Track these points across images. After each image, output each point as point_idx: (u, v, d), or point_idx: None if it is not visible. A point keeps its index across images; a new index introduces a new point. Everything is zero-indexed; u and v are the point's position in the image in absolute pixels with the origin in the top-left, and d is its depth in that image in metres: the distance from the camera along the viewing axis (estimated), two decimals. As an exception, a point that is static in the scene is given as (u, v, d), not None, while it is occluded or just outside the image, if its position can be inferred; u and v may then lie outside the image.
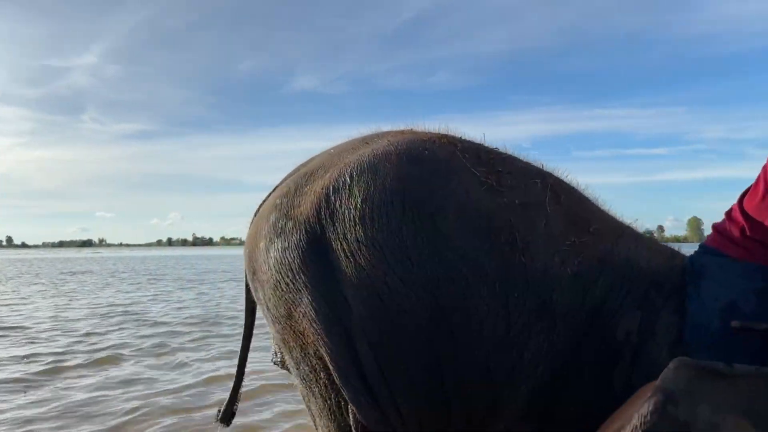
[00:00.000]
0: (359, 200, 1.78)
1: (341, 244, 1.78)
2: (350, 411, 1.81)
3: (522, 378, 1.67)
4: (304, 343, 1.88)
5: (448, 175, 1.80)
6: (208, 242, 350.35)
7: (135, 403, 4.66)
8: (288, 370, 2.33)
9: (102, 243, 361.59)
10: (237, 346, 2.71)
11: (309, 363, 1.90)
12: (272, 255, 1.93)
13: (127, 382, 5.40)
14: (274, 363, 2.40)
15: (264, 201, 2.22)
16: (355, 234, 1.75)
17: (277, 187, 2.21)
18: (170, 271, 28.49)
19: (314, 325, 1.80)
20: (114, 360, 6.44)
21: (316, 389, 1.92)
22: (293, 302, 1.87)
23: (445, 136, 2.07)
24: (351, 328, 1.73)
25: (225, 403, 2.43)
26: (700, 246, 1.80)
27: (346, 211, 1.79)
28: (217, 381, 5.42)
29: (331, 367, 1.79)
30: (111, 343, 7.48)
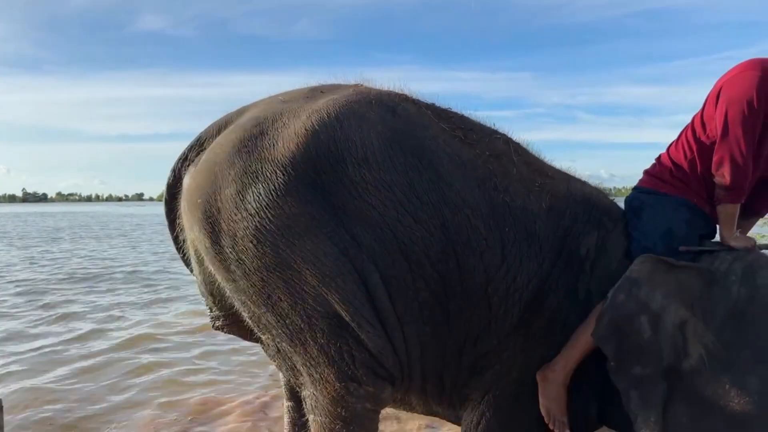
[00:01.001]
0: (357, 143, 1.89)
1: (345, 185, 1.86)
2: (352, 352, 1.86)
3: (515, 298, 1.98)
4: (299, 291, 1.83)
5: (427, 128, 2.03)
6: (42, 198, 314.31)
7: None
8: (236, 332, 2.22)
9: None
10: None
11: (303, 312, 1.84)
12: (252, 200, 1.83)
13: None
14: (216, 328, 2.27)
15: (191, 149, 2.15)
16: (361, 175, 1.87)
17: (210, 135, 2.13)
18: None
19: (320, 267, 1.81)
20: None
21: (311, 340, 1.86)
22: (289, 248, 1.81)
23: (400, 93, 2.21)
24: (362, 265, 1.86)
25: None
26: (635, 188, 2.21)
27: (346, 153, 1.88)
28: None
29: (340, 307, 1.83)
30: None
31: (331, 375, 1.89)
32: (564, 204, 2.10)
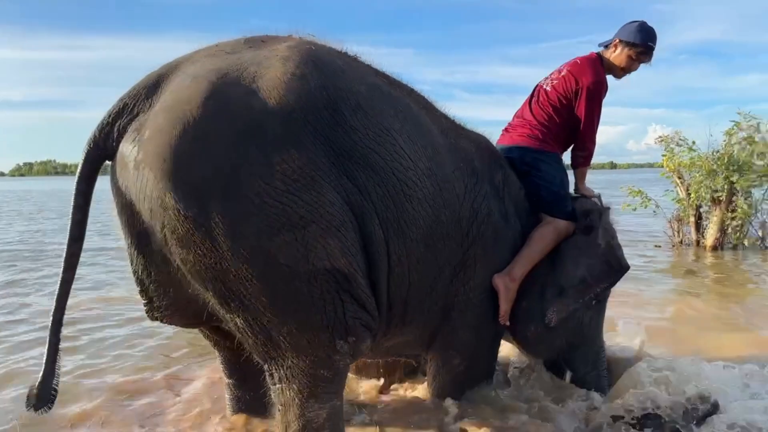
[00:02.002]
0: (346, 89, 1.93)
1: (347, 131, 1.89)
2: (345, 306, 1.87)
3: (476, 226, 2.36)
4: (302, 249, 1.76)
5: (383, 84, 2.18)
6: None
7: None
8: (176, 321, 2.08)
9: None
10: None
11: (305, 271, 1.78)
12: (251, 159, 1.69)
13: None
14: (154, 318, 2.06)
15: (119, 116, 1.85)
16: (360, 121, 1.92)
17: (139, 98, 1.86)
18: None
19: (327, 219, 1.77)
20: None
21: (307, 301, 1.82)
22: (295, 204, 1.73)
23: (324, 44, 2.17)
24: (363, 211, 1.90)
25: (39, 381, 1.87)
26: (522, 147, 2.75)
27: (339, 100, 1.89)
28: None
29: (341, 259, 1.82)
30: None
31: (323, 335, 1.87)
32: (479, 147, 2.53)
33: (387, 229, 1.98)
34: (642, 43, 2.67)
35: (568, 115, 2.70)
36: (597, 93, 2.66)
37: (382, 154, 1.96)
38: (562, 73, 2.72)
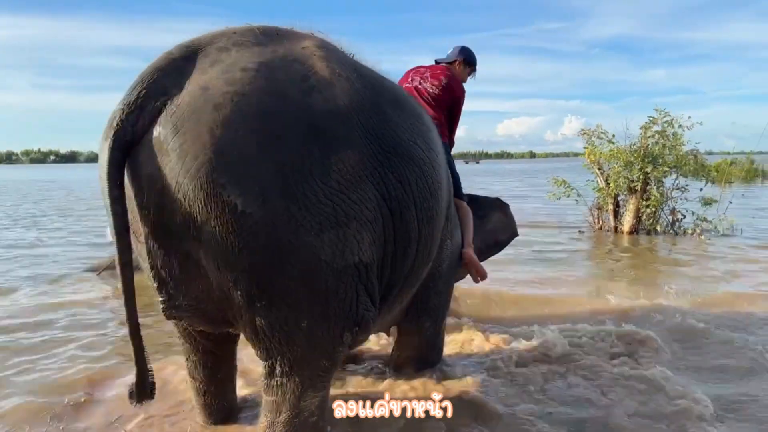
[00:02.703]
0: (382, 88, 2.14)
1: (392, 127, 2.04)
2: (359, 298, 1.95)
3: (449, 206, 2.71)
4: (341, 244, 1.81)
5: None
6: None
7: None
8: (196, 320, 2.02)
9: None
10: None
11: (339, 264, 1.82)
12: (313, 158, 1.73)
13: None
14: (172, 318, 1.99)
15: (146, 98, 1.71)
16: (400, 117, 2.12)
17: (159, 85, 1.74)
18: None
19: (365, 215, 1.87)
20: None
21: (332, 295, 1.86)
22: (343, 202, 1.79)
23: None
24: (403, 203, 2.04)
25: (136, 377, 1.92)
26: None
27: (380, 98, 2.06)
28: None
29: (369, 252, 1.92)
30: None
31: (336, 327, 1.93)
32: (438, 133, 2.75)
33: (422, 219, 2.15)
34: (475, 64, 3.54)
35: (446, 117, 3.31)
36: (462, 98, 3.40)
37: (422, 146, 2.18)
38: (443, 82, 3.27)
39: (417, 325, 2.84)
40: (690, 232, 8.24)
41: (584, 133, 8.82)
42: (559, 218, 10.13)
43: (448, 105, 3.29)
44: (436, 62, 3.50)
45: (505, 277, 5.43)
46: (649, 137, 8.25)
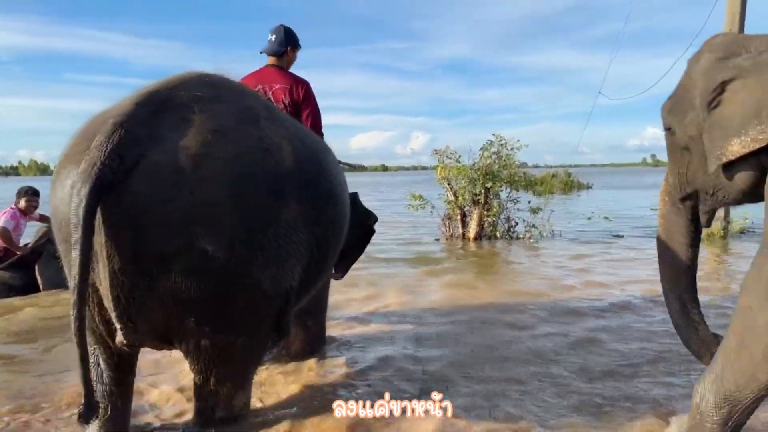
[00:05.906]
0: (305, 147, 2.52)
1: (311, 177, 2.45)
2: (285, 311, 2.39)
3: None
4: (278, 277, 2.22)
5: None
6: None
7: None
8: (147, 343, 2.22)
9: None
10: None
11: (277, 293, 2.25)
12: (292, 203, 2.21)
13: None
14: (129, 345, 2.12)
15: (128, 134, 1.87)
16: (321, 157, 2.70)
17: (139, 118, 1.94)
18: None
19: (300, 251, 2.29)
20: None
21: (268, 314, 2.30)
22: (284, 245, 2.19)
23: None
24: (321, 237, 2.49)
25: (84, 396, 1.95)
26: None
27: (301, 157, 2.38)
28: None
29: (298, 276, 2.34)
30: None
31: (266, 339, 2.38)
32: None
33: (336, 245, 2.73)
34: (299, 41, 3.45)
35: (310, 117, 3.41)
36: (316, 104, 3.52)
37: (341, 185, 2.76)
38: (292, 90, 3.28)
39: (303, 321, 3.35)
40: (522, 236, 9.86)
41: (436, 153, 10.11)
42: (417, 227, 11.40)
43: (310, 106, 3.39)
44: (266, 54, 3.41)
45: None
46: (487, 157, 9.74)
